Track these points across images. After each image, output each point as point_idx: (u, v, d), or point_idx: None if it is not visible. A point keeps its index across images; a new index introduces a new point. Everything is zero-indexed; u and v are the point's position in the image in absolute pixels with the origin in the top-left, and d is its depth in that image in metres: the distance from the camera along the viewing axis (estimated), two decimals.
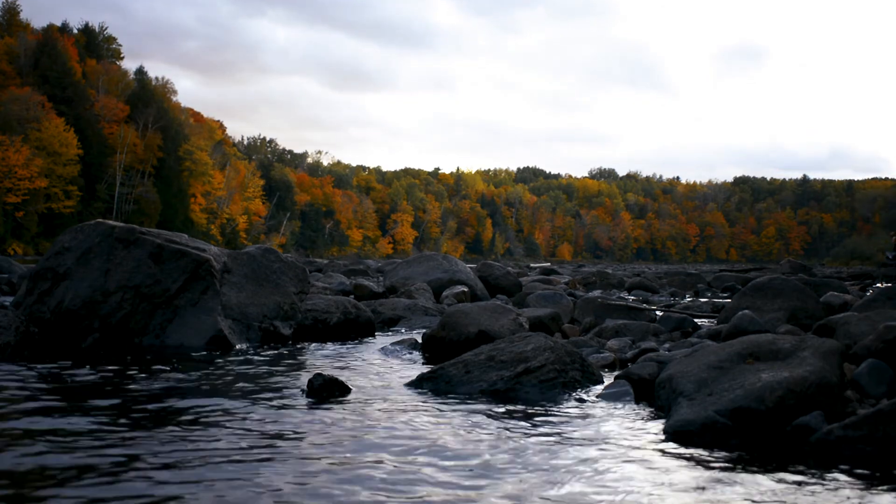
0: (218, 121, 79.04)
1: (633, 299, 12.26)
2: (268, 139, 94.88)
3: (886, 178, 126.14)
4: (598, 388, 4.01)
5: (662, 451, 2.83)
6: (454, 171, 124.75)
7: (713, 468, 2.61)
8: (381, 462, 2.60)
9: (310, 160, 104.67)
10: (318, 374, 3.84)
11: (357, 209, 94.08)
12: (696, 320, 6.89)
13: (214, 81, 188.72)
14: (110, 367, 4.50)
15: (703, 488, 2.39)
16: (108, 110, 57.59)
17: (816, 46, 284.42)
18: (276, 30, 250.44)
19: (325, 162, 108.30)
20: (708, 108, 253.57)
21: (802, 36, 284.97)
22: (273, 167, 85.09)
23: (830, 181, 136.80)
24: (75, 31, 63.57)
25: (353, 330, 6.65)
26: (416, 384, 4.08)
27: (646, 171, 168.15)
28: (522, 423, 3.25)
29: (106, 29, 67.68)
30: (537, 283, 12.84)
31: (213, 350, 5.29)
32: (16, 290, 10.15)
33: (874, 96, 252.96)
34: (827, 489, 2.39)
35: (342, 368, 4.76)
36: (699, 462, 2.69)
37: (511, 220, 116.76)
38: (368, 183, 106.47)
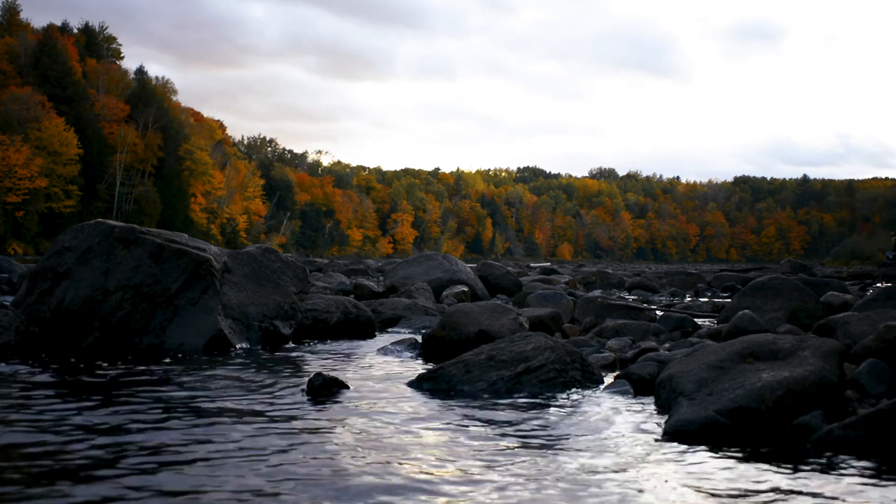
0: (218, 120, 79.11)
1: (633, 299, 12.26)
2: (268, 139, 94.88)
3: (886, 178, 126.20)
4: (599, 388, 4.01)
5: (662, 451, 2.83)
6: (454, 170, 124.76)
7: (713, 468, 2.61)
8: (380, 461, 2.60)
9: (310, 160, 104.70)
10: (319, 374, 3.84)
11: (357, 209, 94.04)
12: (696, 320, 6.89)
13: (190, 65, 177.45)
14: (110, 367, 4.51)
15: (704, 488, 2.39)
16: (108, 110, 57.56)
17: (827, 34, 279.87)
18: (251, 6, 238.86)
19: (325, 162, 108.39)
20: (713, 95, 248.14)
21: (817, 20, 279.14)
22: (273, 167, 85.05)
23: (830, 181, 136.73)
24: (75, 30, 63.56)
25: (354, 330, 6.65)
26: (416, 384, 4.08)
27: (646, 171, 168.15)
28: (522, 423, 3.25)
29: (106, 28, 67.72)
30: (537, 283, 12.84)
31: (213, 350, 5.29)
32: (16, 290, 10.15)
33: (883, 89, 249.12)
34: (827, 489, 2.39)
35: (342, 368, 4.76)
36: (699, 462, 2.69)
37: (511, 219, 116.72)
38: (368, 182, 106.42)
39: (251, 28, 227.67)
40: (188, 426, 3.03)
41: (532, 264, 46.83)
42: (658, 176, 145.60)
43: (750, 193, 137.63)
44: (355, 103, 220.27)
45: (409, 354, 5.52)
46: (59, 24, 61.66)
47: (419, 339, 5.93)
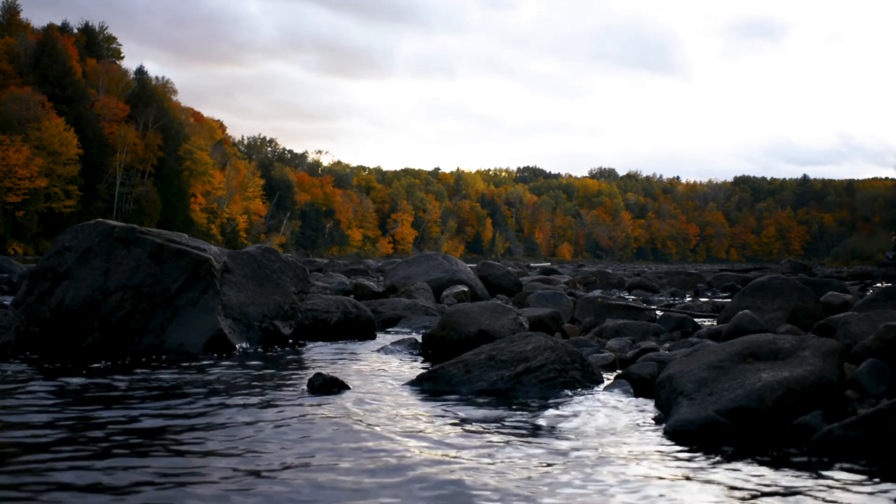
0: (218, 120, 79.17)
1: (633, 299, 12.26)
2: (268, 139, 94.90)
3: (887, 178, 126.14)
4: (599, 388, 4.01)
5: (662, 451, 2.83)
6: (454, 170, 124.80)
7: (713, 468, 2.61)
8: (381, 461, 2.60)
9: (310, 160, 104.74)
10: (319, 374, 3.84)
11: (357, 209, 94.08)
12: (696, 320, 6.89)
13: (187, 63, 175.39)
14: (110, 367, 4.51)
15: (703, 488, 2.39)
16: (108, 110, 57.58)
17: (828, 32, 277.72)
18: (246, 2, 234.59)
19: (325, 161, 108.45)
20: (714, 94, 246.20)
21: (818, 18, 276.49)
22: (273, 167, 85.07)
23: (830, 181, 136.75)
24: (75, 30, 63.57)
25: (354, 330, 6.65)
26: (417, 384, 4.08)
27: (646, 171, 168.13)
28: (523, 423, 3.25)
29: (106, 28, 67.74)
30: (537, 283, 12.84)
31: (213, 350, 5.29)
32: (16, 290, 10.15)
33: (885, 87, 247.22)
34: (827, 489, 2.39)
35: (342, 368, 4.76)
36: (699, 462, 2.69)
37: (511, 219, 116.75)
38: (368, 182, 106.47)
39: (247, 25, 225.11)
40: (187, 426, 3.03)
41: (532, 264, 46.84)
42: (658, 176, 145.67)
43: (750, 193, 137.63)
44: (355, 102, 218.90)
45: (410, 354, 5.53)
46: (59, 24, 61.71)
47: (419, 339, 5.93)
